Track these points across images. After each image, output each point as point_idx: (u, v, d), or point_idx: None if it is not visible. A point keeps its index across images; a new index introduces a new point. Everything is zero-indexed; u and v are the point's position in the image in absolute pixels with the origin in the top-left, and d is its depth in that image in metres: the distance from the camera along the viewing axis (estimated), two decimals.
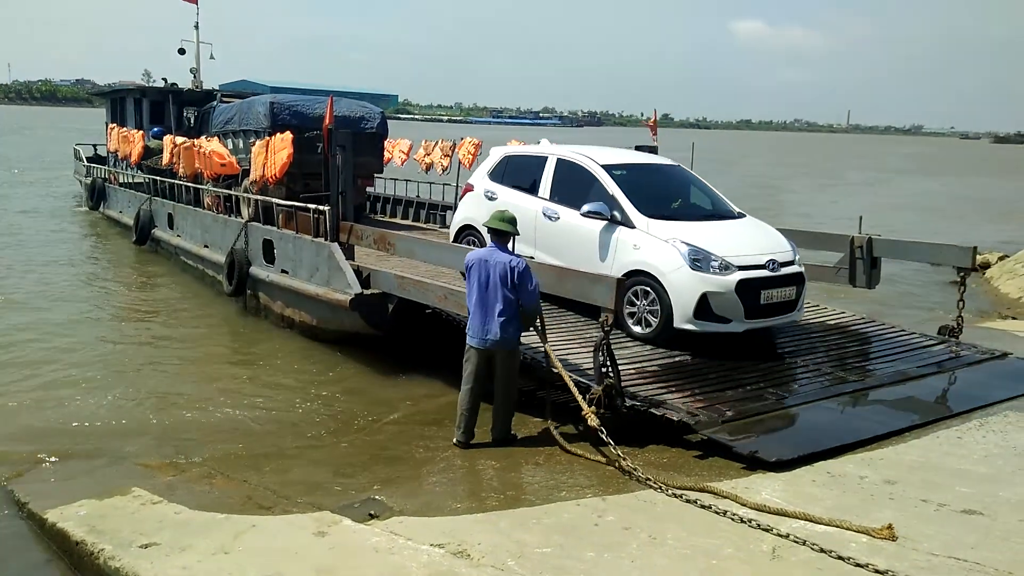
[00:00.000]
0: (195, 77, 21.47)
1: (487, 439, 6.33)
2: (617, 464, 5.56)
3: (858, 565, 4.05)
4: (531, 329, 6.37)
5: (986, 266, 16.48)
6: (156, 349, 10.13)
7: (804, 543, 4.33)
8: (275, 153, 11.52)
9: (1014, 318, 12.12)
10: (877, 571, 3.98)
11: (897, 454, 5.76)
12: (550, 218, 8.61)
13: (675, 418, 6.01)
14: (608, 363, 6.11)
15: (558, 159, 8.92)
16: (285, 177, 11.96)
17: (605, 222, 8.06)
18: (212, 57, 22.85)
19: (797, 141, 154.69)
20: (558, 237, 8.50)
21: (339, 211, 9.57)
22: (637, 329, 7.75)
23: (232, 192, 13.50)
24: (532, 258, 7.58)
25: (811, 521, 4.58)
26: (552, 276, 6.85)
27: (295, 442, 6.81)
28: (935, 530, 4.47)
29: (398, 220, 17.53)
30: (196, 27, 21.42)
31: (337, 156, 9.69)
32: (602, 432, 5.73)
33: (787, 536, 4.43)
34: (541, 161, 9.10)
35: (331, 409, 7.72)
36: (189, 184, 14.75)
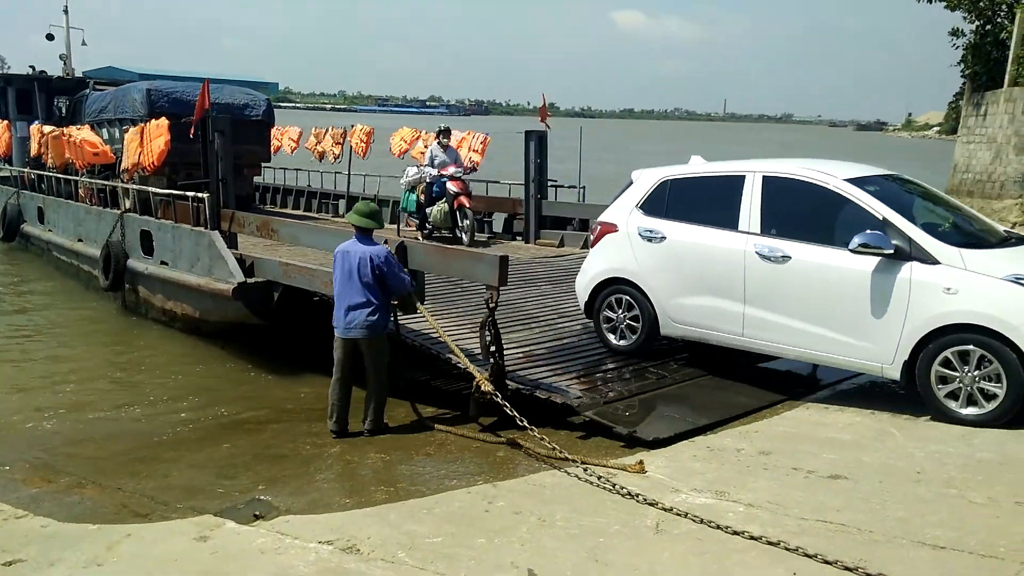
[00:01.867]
0: (65, 64, 20.20)
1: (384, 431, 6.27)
2: (510, 440, 5.62)
3: (735, 533, 4.23)
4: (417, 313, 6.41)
5: None
6: (23, 351, 9.54)
7: (686, 515, 4.49)
8: (151, 141, 11.07)
9: None
10: (752, 537, 4.17)
11: (771, 426, 6.06)
12: (770, 259, 6.30)
13: (559, 401, 6.13)
14: (493, 344, 6.18)
15: (765, 177, 6.56)
16: (166, 167, 11.54)
17: (877, 259, 5.85)
18: (84, 43, 21.67)
19: (678, 129, 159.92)
20: (791, 285, 6.25)
21: (219, 198, 9.25)
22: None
23: (106, 183, 12.81)
24: (417, 238, 7.30)
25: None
26: (436, 256, 6.84)
27: (174, 445, 6.53)
28: (804, 496, 4.73)
29: (289, 210, 17.22)
30: (65, 11, 20.18)
31: (215, 142, 9.33)
32: (497, 397, 5.85)
33: (670, 510, 4.58)
34: (733, 183, 6.71)
35: (213, 408, 7.45)
36: (60, 176, 13.91)
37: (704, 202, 6.93)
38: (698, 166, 7.32)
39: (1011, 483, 4.74)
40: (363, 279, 6.08)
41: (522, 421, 5.61)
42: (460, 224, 12.05)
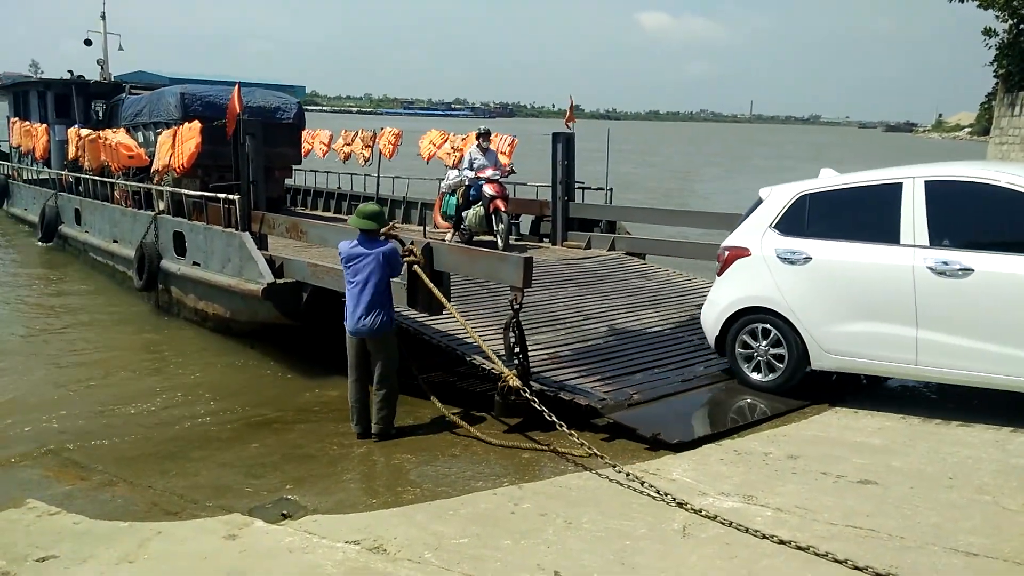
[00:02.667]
0: (103, 69, 20.55)
1: (410, 432, 6.30)
2: (537, 441, 5.61)
3: (763, 537, 4.20)
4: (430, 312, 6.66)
5: None
6: (59, 350, 9.70)
7: (713, 519, 4.46)
8: (183, 143, 11.23)
9: None
10: (781, 541, 4.14)
11: (799, 430, 6.00)
12: (946, 273, 5.71)
13: (583, 403, 6.12)
14: (518, 345, 6.19)
15: (928, 183, 5.99)
16: (198, 169, 11.72)
17: None
18: (121, 48, 22.02)
19: (704, 130, 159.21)
20: (977, 302, 5.64)
21: (250, 200, 9.36)
22: None
23: (140, 185, 13.04)
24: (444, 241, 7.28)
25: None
26: (462, 258, 6.86)
27: (203, 444, 6.60)
28: (834, 501, 4.68)
29: (319, 212, 17.43)
30: (103, 17, 20.55)
31: (246, 144, 9.44)
32: (525, 392, 5.87)
33: (698, 513, 4.55)
34: (888, 192, 6.13)
35: (242, 407, 7.51)
36: (96, 178, 14.19)
37: (853, 216, 6.34)
38: (837, 177, 6.71)
39: None
40: (373, 278, 6.13)
41: (551, 417, 5.62)
42: (496, 228, 11.73)
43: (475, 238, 12.31)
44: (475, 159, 12.20)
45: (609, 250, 11.65)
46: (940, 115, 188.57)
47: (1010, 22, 17.54)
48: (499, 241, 11.61)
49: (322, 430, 6.68)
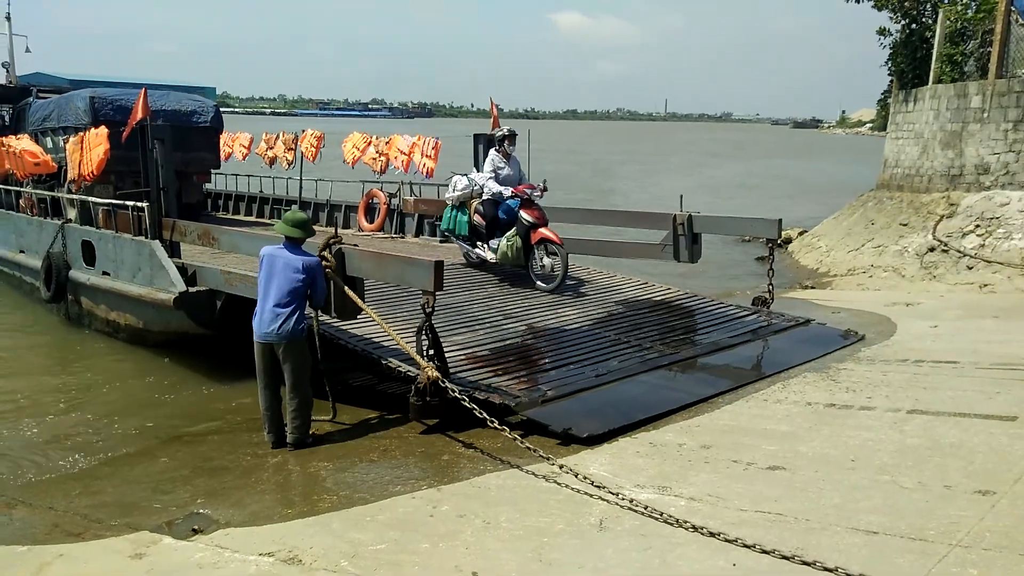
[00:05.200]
0: (8, 72, 19.51)
1: (326, 439, 6.19)
2: (457, 440, 5.58)
3: (677, 526, 4.29)
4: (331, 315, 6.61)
5: (788, 241, 17.96)
6: None
7: (629, 511, 4.53)
8: (90, 150, 10.80)
9: (813, 287, 13.30)
10: (693, 528, 4.23)
11: (712, 420, 6.16)
12: None
13: (497, 401, 6.15)
14: (432, 348, 6.18)
15: None
16: (111, 176, 11.32)
17: None
18: (28, 51, 20.95)
19: (621, 129, 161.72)
20: None
21: (160, 207, 9.07)
22: None
23: (46, 192, 12.50)
24: (356, 245, 7.22)
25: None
26: (372, 263, 6.79)
27: (110, 460, 6.33)
28: (744, 487, 4.81)
29: (241, 216, 17.09)
30: (8, 18, 19.49)
31: (155, 150, 9.14)
32: (444, 383, 5.90)
33: (614, 506, 4.62)
34: None
35: (152, 421, 7.25)
36: (1, 186, 13.55)
37: None
38: None
39: (939, 467, 4.91)
40: (289, 284, 6.00)
41: (482, 414, 5.64)
42: (540, 264, 9.58)
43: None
44: (499, 168, 10.11)
45: None
46: (843, 112, 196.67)
47: (903, 22, 18.42)
48: (546, 284, 9.54)
49: (235, 440, 6.50)
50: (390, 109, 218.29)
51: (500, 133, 10.34)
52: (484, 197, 10.12)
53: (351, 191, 15.60)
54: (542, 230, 9.53)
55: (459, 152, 15.69)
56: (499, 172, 10.09)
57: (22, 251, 12.50)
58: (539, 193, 9.79)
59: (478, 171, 12.22)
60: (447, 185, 14.15)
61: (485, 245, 10.16)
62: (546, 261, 9.53)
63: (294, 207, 7.30)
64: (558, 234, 9.55)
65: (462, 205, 10.45)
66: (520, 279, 10.03)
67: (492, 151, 10.31)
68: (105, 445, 6.67)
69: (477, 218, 10.21)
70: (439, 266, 6.17)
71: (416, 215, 13.90)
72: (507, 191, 9.87)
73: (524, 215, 9.61)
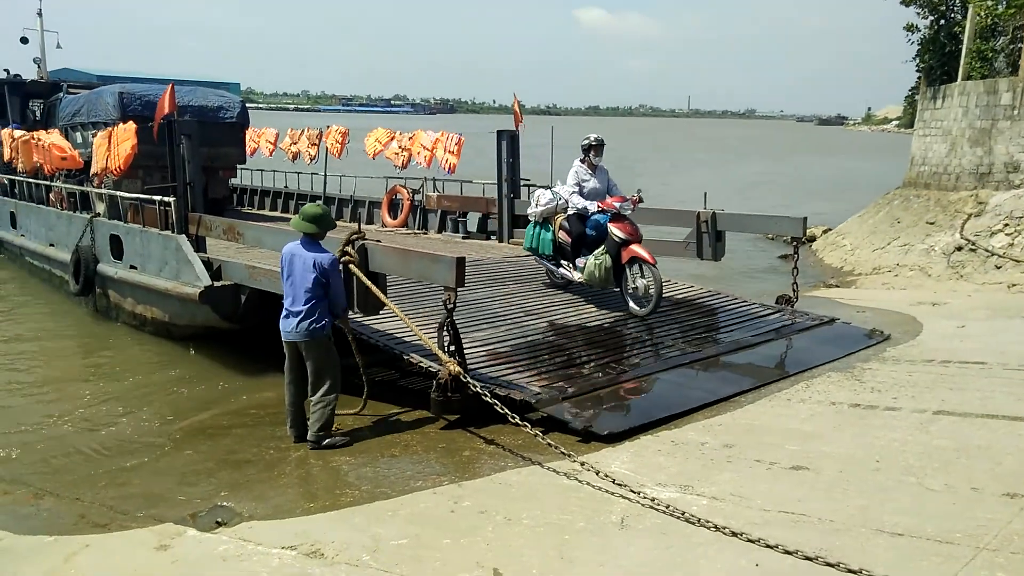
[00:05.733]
0: (40, 67, 19.82)
1: (349, 433, 6.22)
2: (480, 436, 5.59)
3: (699, 526, 4.27)
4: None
5: (812, 239, 17.80)
6: None
7: (651, 509, 4.52)
8: (118, 145, 10.97)
9: (838, 286, 13.17)
10: (715, 528, 4.21)
11: (734, 419, 6.12)
12: None
13: (517, 397, 6.15)
14: (453, 344, 6.21)
15: None
16: (139, 170, 11.48)
17: None
18: (59, 47, 21.22)
19: (644, 125, 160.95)
20: None
21: (187, 201, 9.18)
22: None
23: (76, 187, 12.69)
24: (379, 241, 7.17)
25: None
26: (396, 259, 6.81)
27: (136, 452, 6.39)
28: (767, 487, 4.78)
29: (266, 211, 17.29)
30: (39, 14, 19.78)
31: (182, 146, 9.25)
32: (465, 378, 5.93)
33: (636, 504, 4.61)
34: None
35: (176, 413, 7.32)
36: (31, 180, 13.79)
37: None
38: None
39: (966, 469, 4.84)
40: (306, 283, 5.99)
41: (497, 405, 5.65)
42: (631, 286, 8.61)
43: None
44: (583, 181, 9.22)
45: None
46: (869, 109, 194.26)
47: (930, 18, 18.17)
48: (639, 308, 8.58)
49: (259, 434, 6.55)
50: (412, 105, 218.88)
51: (586, 142, 9.26)
52: (569, 212, 9.20)
53: (375, 187, 15.67)
54: (634, 247, 8.49)
55: (481, 148, 15.71)
56: (584, 185, 9.19)
57: (52, 244, 12.71)
58: (631, 206, 8.76)
59: (501, 169, 12.22)
60: (469, 181, 14.30)
61: (571, 264, 9.17)
62: (639, 282, 8.53)
63: (318, 202, 7.29)
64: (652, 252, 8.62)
65: (545, 221, 9.46)
66: (542, 275, 10.01)
67: (576, 162, 9.34)
68: (131, 437, 6.75)
69: (562, 235, 9.24)
70: (461, 262, 6.18)
71: (439, 211, 13.93)
72: (593, 205, 8.91)
73: (614, 230, 8.58)
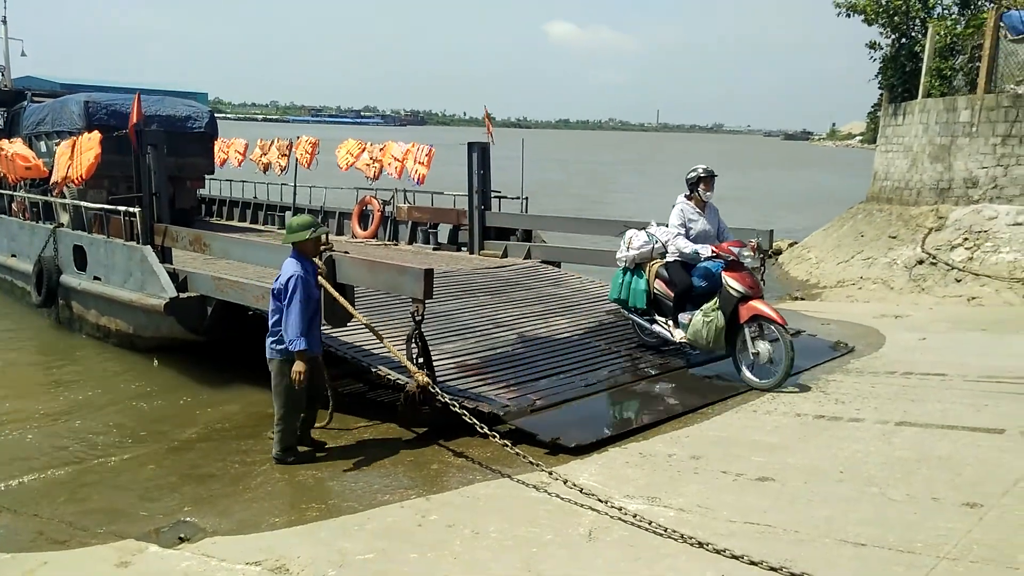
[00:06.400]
0: (3, 76, 19.49)
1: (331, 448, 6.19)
2: (448, 449, 5.57)
3: (666, 537, 4.28)
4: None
5: (779, 252, 18.04)
6: None
7: (619, 522, 4.53)
8: (81, 154, 10.81)
9: (803, 299, 13.35)
10: (682, 540, 4.23)
11: (701, 430, 6.17)
12: None
13: (485, 409, 6.14)
14: (421, 356, 6.18)
15: None
16: (105, 180, 11.33)
17: None
18: (23, 54, 20.94)
19: (613, 139, 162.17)
20: None
21: (152, 212, 9.07)
22: None
23: (39, 197, 12.52)
24: (347, 252, 7.06)
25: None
26: (363, 270, 6.77)
27: (96, 467, 6.27)
28: (733, 498, 4.81)
29: (235, 222, 17.17)
30: (3, 21, 19.48)
31: (148, 156, 9.15)
32: (433, 389, 5.90)
33: (603, 516, 4.61)
34: None
35: (139, 427, 7.20)
36: None
37: None
38: None
39: (927, 479, 4.92)
40: (272, 301, 5.90)
41: (472, 420, 5.65)
42: (751, 351, 7.15)
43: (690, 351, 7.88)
44: (691, 221, 7.74)
45: (525, 258, 11.72)
46: (834, 124, 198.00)
47: (892, 37, 18.58)
48: (760, 375, 7.15)
49: (224, 448, 6.46)
50: (382, 117, 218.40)
51: (693, 174, 7.82)
52: (669, 258, 7.83)
53: (345, 198, 15.61)
54: (755, 303, 7.10)
55: (451, 160, 15.73)
56: (691, 227, 7.71)
57: (13, 255, 12.49)
58: (750, 253, 7.30)
59: (472, 180, 12.22)
60: (440, 193, 14.28)
61: (670, 320, 7.76)
62: (760, 347, 7.07)
63: (301, 214, 7.14)
64: (777, 309, 7.38)
65: (637, 267, 8.07)
66: (512, 287, 10.02)
67: (680, 199, 7.89)
68: (92, 451, 6.62)
69: (659, 285, 7.87)
70: (429, 274, 6.18)
71: (410, 222, 13.91)
72: (705, 250, 7.43)
73: (731, 282, 7.17)
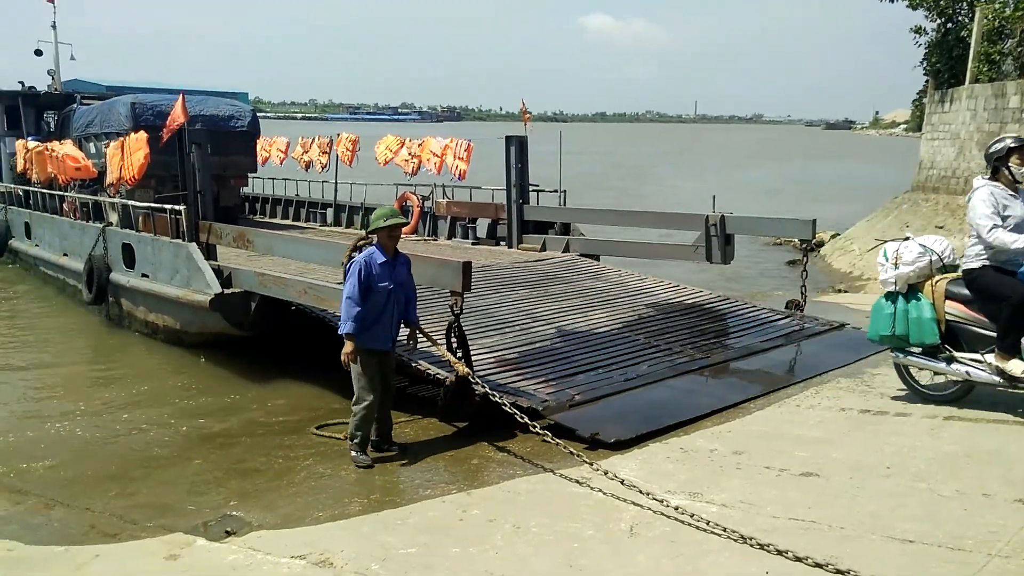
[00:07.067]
0: (54, 79, 20.05)
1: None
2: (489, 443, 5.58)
3: (708, 532, 4.25)
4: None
5: (821, 244, 17.75)
6: (4, 364, 9.48)
7: (660, 517, 4.50)
8: (131, 154, 11.11)
9: (846, 291, 13.13)
10: (725, 536, 4.19)
11: (743, 425, 6.10)
12: None
13: (524, 404, 6.14)
14: (460, 347, 6.20)
15: None
16: (152, 180, 11.58)
17: None
18: (72, 58, 21.46)
19: (651, 131, 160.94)
20: None
21: (197, 210, 9.26)
22: None
23: (88, 197, 12.87)
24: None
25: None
26: None
27: (145, 461, 6.41)
28: (776, 494, 4.76)
29: (278, 220, 17.48)
30: (53, 27, 20.02)
31: (192, 154, 9.33)
32: (473, 379, 5.90)
33: (645, 512, 4.59)
34: None
35: (186, 422, 7.34)
36: (45, 190, 13.98)
37: None
38: None
39: (977, 475, 4.80)
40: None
41: (513, 411, 5.66)
42: None
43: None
44: (1007, 207, 5.73)
45: (564, 252, 11.71)
46: (877, 112, 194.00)
47: (938, 21, 18.14)
48: None
49: (268, 443, 6.56)
50: (419, 113, 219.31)
51: (999, 145, 5.85)
52: (972, 264, 5.81)
53: (385, 194, 15.73)
54: None
55: (488, 155, 15.75)
56: (1007, 215, 5.72)
57: (65, 254, 12.83)
58: None
59: (510, 174, 12.24)
60: (478, 187, 14.30)
61: (985, 354, 5.76)
62: None
63: (382, 206, 7.00)
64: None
65: (912, 289, 6.04)
66: (550, 281, 10.00)
67: (983, 181, 5.90)
68: (141, 446, 6.77)
69: (955, 307, 5.88)
70: (467, 266, 6.20)
71: (449, 217, 13.96)
72: (1010, 238, 5.59)
73: None
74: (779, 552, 3.95)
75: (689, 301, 9.74)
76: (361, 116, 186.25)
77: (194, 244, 9.11)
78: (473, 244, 13.25)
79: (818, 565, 3.80)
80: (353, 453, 5.81)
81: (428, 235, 14.17)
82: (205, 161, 9.42)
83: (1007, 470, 4.84)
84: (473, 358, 6.62)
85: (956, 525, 4.16)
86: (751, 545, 4.06)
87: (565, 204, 12.67)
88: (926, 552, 3.92)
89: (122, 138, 11.72)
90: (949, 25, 17.89)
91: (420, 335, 6.10)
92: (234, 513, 5.09)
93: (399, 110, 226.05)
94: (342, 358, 5.70)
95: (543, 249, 12.01)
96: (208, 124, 13.43)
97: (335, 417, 6.86)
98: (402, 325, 5.98)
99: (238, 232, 9.26)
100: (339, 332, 5.73)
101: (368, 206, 15.78)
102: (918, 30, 18.50)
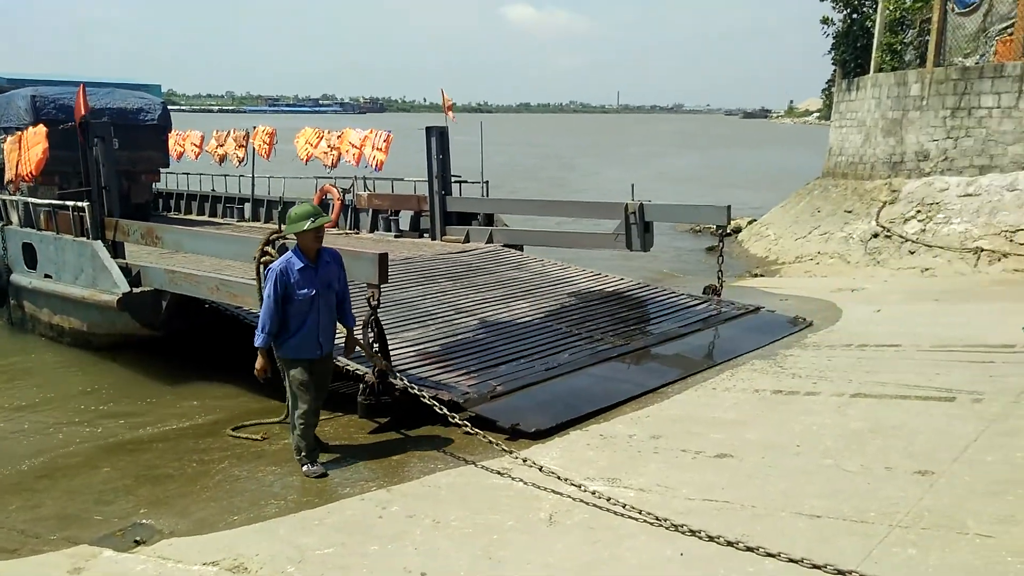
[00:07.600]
0: None
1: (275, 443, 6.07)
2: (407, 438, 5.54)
3: (625, 517, 4.30)
4: None
5: (738, 230, 18.21)
6: None
7: (579, 505, 4.54)
8: (28, 149, 10.50)
9: (762, 275, 13.51)
10: (641, 520, 4.25)
11: (662, 410, 6.21)
12: None
13: (445, 397, 6.12)
14: (377, 342, 6.13)
15: None
16: (56, 176, 11.04)
17: None
18: None
19: (575, 121, 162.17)
20: None
21: (102, 206, 8.87)
22: None
23: None
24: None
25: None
26: None
27: (49, 471, 6.11)
28: (692, 476, 4.85)
29: (193, 216, 16.92)
30: None
31: (96, 148, 8.92)
32: (392, 374, 5.90)
33: (564, 500, 4.62)
34: None
35: (93, 428, 7.04)
36: None
37: None
38: None
39: (881, 449, 5.00)
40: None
41: (432, 403, 5.65)
42: None
43: None
44: None
45: (487, 243, 11.68)
46: (791, 102, 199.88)
47: (844, 12, 18.79)
48: None
49: (181, 447, 6.35)
50: (341, 104, 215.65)
51: None
52: None
53: (304, 187, 15.41)
54: None
55: (410, 147, 15.60)
56: None
57: None
58: None
59: (432, 165, 12.14)
60: (400, 179, 14.15)
61: None
62: None
63: (302, 204, 6.65)
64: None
65: None
66: (473, 272, 9.97)
67: None
68: (45, 455, 6.45)
69: None
70: (383, 258, 6.12)
71: (371, 210, 13.78)
72: None
73: None
74: (692, 532, 4.03)
75: (610, 289, 9.86)
76: (280, 108, 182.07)
77: (99, 242, 8.74)
78: (396, 237, 13.11)
79: (729, 544, 3.89)
80: (305, 467, 5.48)
81: (350, 228, 13.95)
82: (109, 155, 9.04)
83: (908, 444, 5.05)
84: (395, 352, 6.55)
85: (860, 499, 4.32)
86: (666, 527, 4.13)
87: (488, 195, 12.65)
88: (832, 526, 4.06)
89: (20, 133, 11.16)
90: (855, 16, 18.56)
91: (357, 341, 5.84)
92: (144, 521, 4.90)
93: (320, 102, 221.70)
94: (257, 373, 5.52)
95: (466, 240, 11.96)
96: (116, 117, 12.91)
97: (252, 417, 6.72)
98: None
99: (146, 228, 8.92)
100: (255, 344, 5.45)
101: (287, 200, 15.44)
102: (826, 21, 19.13)
